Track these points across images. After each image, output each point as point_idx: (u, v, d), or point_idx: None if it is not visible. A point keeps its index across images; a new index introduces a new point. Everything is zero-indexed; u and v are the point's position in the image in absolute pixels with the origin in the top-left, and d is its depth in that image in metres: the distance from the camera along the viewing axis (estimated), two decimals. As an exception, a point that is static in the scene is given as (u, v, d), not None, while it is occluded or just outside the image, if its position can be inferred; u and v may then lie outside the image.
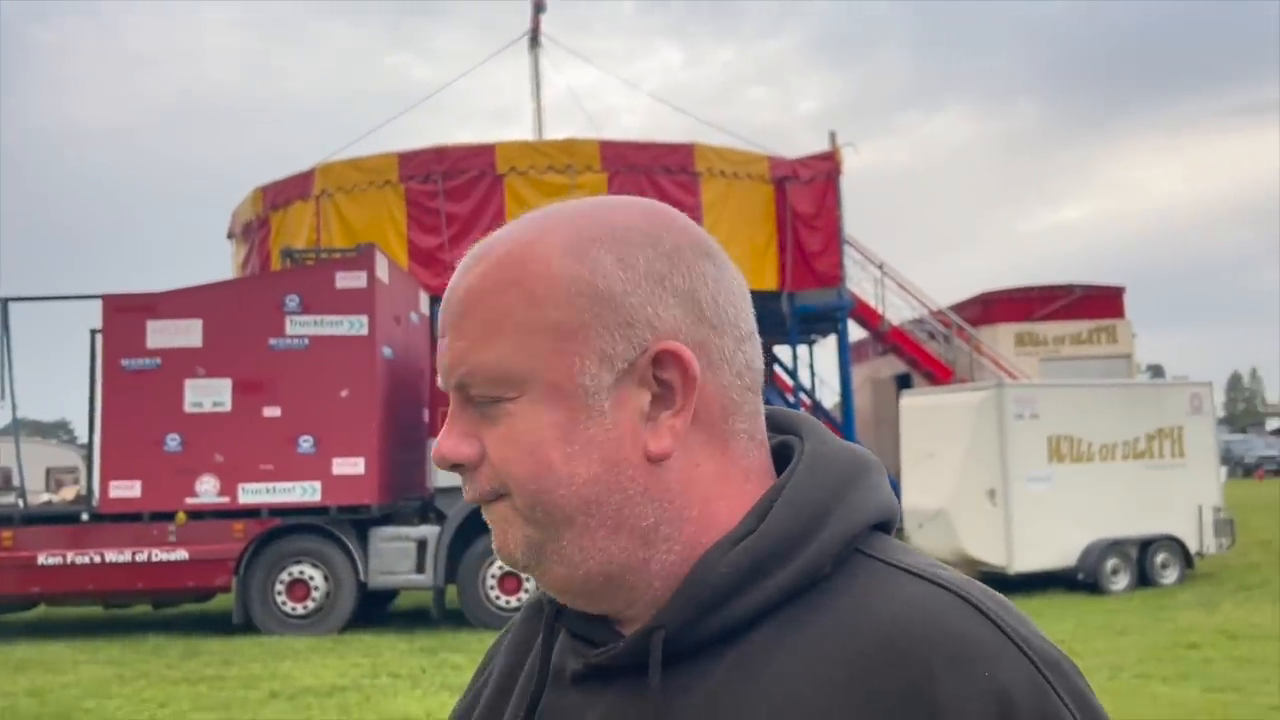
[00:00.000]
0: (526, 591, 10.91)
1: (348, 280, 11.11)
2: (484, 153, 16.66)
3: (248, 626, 10.84)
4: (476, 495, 0.78)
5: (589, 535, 0.75)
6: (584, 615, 0.80)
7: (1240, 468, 40.03)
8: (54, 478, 14.59)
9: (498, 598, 10.91)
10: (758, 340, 0.82)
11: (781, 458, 0.81)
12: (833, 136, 18.90)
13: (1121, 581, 12.18)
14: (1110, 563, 12.20)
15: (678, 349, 0.75)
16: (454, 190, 16.43)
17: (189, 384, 10.90)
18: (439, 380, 0.80)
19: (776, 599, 0.73)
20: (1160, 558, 12.53)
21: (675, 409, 0.76)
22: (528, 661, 0.86)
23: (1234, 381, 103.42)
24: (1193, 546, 12.72)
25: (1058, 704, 0.69)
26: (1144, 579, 12.33)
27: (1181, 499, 12.73)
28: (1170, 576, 12.47)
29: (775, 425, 0.84)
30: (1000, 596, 0.76)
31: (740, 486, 0.78)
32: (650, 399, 0.75)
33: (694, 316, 0.76)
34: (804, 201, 18.04)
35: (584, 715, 0.77)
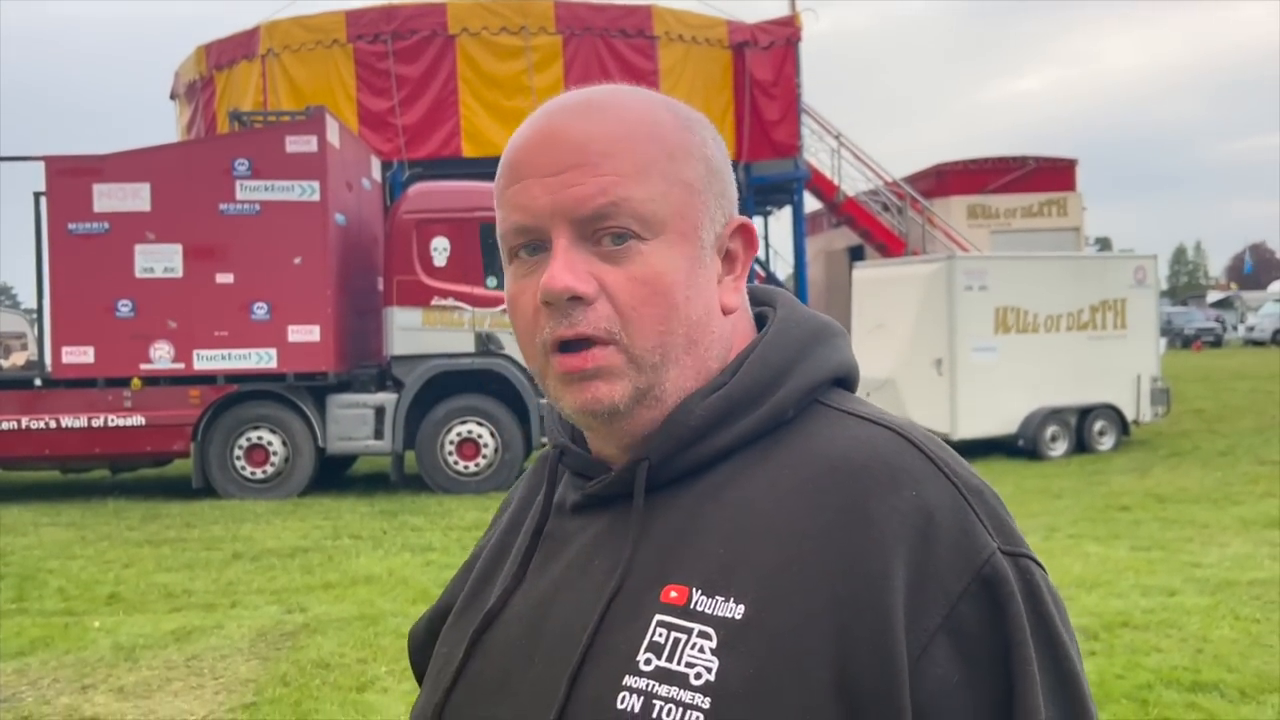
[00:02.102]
0: (484, 457, 11.11)
1: (298, 144, 10.88)
2: (435, 11, 16.16)
3: (207, 491, 10.97)
4: (589, 330, 0.82)
5: (684, 374, 0.86)
6: (583, 455, 0.92)
7: (1180, 339, 41.10)
8: (1, 344, 14.38)
9: (456, 463, 11.10)
10: None
11: (760, 326, 0.94)
12: (792, 1, 18.54)
13: (1060, 448, 12.64)
14: (1050, 430, 12.64)
15: (752, 225, 0.91)
16: (404, 51, 15.99)
17: (139, 249, 10.73)
18: (537, 217, 0.83)
19: (744, 439, 0.85)
20: (1098, 425, 12.99)
21: (737, 274, 0.90)
22: (535, 501, 0.97)
23: (1178, 254, 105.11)
24: (1130, 415, 13.19)
25: (974, 520, 0.80)
26: (1082, 445, 12.80)
27: (1121, 369, 13.13)
28: (1107, 443, 12.96)
29: (756, 299, 0.96)
30: (937, 439, 0.87)
31: (744, 342, 0.92)
32: (720, 264, 0.89)
33: (737, 204, 0.91)
34: (762, 68, 17.79)
35: (579, 536, 0.90)
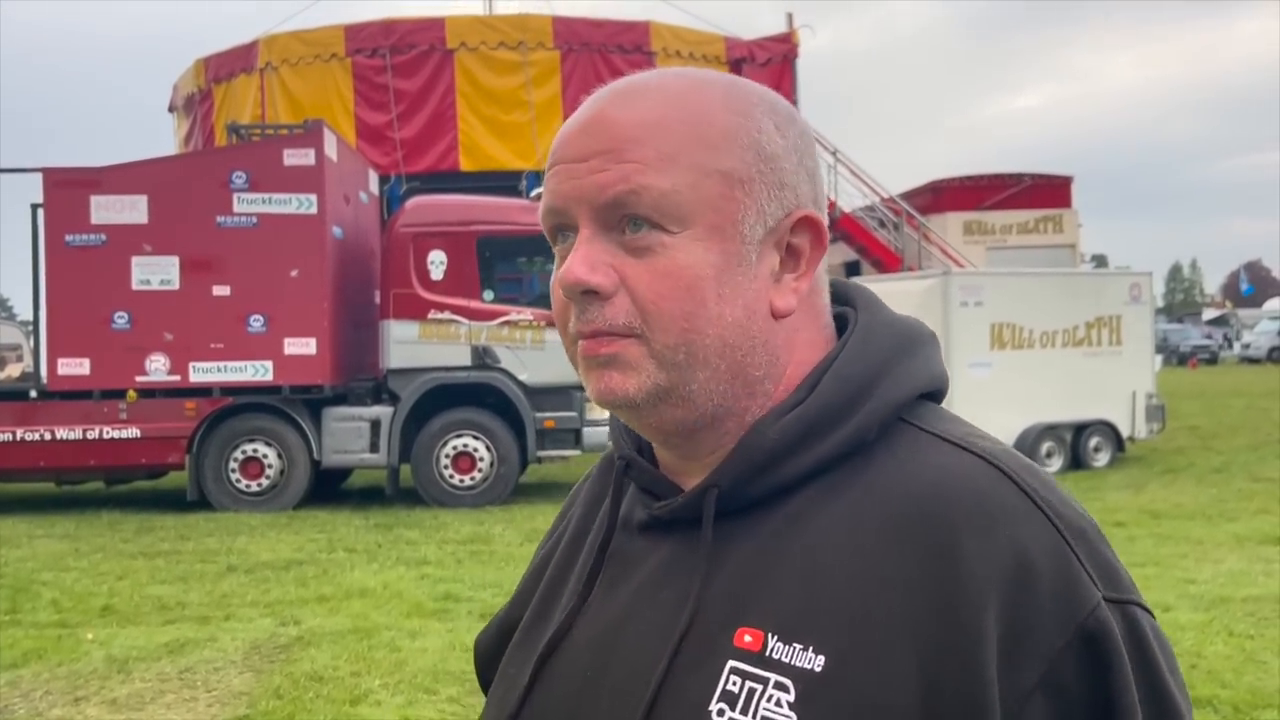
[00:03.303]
0: (479, 471, 11.10)
1: (296, 157, 10.91)
2: (433, 26, 16.23)
3: (202, 503, 10.95)
4: (605, 326, 0.79)
5: (717, 377, 0.79)
6: (650, 471, 0.87)
7: (1175, 356, 41.19)
8: (-3, 355, 14.38)
9: (451, 476, 11.09)
10: None
11: (840, 328, 0.87)
12: (789, 18, 18.63)
13: (1055, 464, 12.65)
14: (1045, 446, 12.65)
15: (818, 217, 0.82)
16: (402, 66, 16.04)
17: (136, 261, 10.75)
18: (564, 201, 0.80)
19: (822, 464, 0.79)
20: (1093, 441, 13.01)
21: (799, 273, 0.82)
22: (600, 512, 0.93)
23: (1174, 272, 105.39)
24: (1125, 431, 13.21)
25: (1077, 567, 0.73)
26: (1077, 462, 12.82)
27: (1116, 385, 13.15)
28: (1102, 459, 12.98)
29: (834, 296, 0.89)
30: (1036, 468, 0.79)
31: (820, 354, 0.84)
32: (779, 261, 0.81)
33: (815, 195, 0.83)
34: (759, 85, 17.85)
35: (647, 559, 0.84)
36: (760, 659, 0.75)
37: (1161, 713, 0.74)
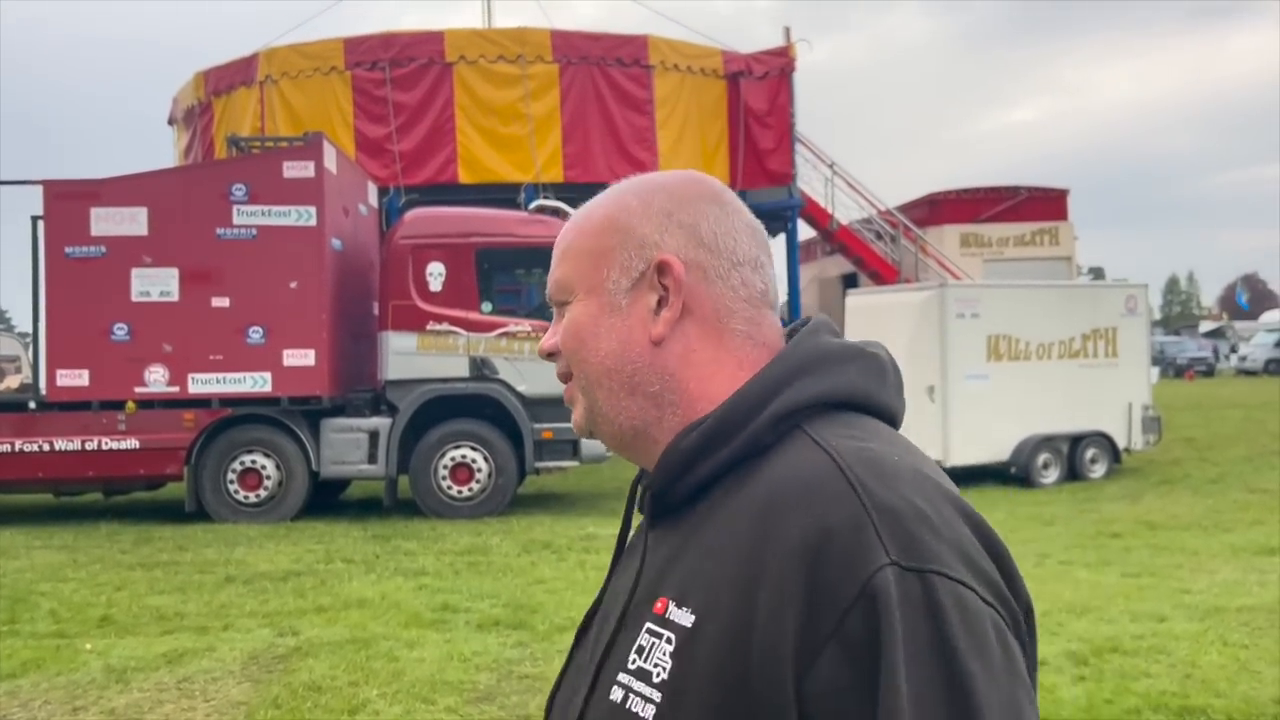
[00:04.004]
0: (477, 482, 11.13)
1: (295, 170, 10.96)
2: (432, 40, 16.30)
3: (200, 514, 10.96)
4: (560, 374, 1.09)
5: (614, 395, 1.04)
6: (645, 479, 1.08)
7: (1172, 368, 41.24)
8: (-5, 366, 14.40)
9: (449, 487, 11.11)
10: (764, 267, 1.06)
11: None
12: (787, 32, 18.72)
13: (1051, 475, 12.69)
14: (1042, 457, 12.69)
15: (669, 259, 1.02)
16: (402, 79, 16.11)
17: (135, 273, 10.78)
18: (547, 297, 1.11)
19: (724, 466, 0.96)
20: (1090, 453, 13.05)
21: (668, 306, 1.02)
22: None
23: (1171, 284, 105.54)
24: (1121, 442, 13.25)
25: (872, 537, 0.85)
26: (1073, 473, 12.85)
27: (1113, 397, 13.21)
28: (1098, 471, 13.01)
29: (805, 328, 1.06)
30: (882, 463, 0.91)
31: (734, 373, 1.02)
32: (657, 299, 1.02)
33: (694, 242, 1.03)
34: (757, 98, 17.94)
35: (636, 547, 1.06)
36: (662, 620, 0.94)
37: (948, 670, 0.82)
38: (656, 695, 0.92)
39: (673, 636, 0.92)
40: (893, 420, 1.02)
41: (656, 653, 0.93)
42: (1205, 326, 63.36)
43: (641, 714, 0.92)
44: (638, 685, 0.94)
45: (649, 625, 0.95)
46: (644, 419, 1.03)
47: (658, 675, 0.92)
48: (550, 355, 1.09)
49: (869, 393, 1.00)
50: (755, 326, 1.04)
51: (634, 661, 0.95)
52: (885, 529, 0.86)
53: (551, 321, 1.12)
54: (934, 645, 0.82)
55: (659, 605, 0.95)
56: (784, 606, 0.85)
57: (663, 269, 1.01)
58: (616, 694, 0.95)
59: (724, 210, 1.05)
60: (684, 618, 0.92)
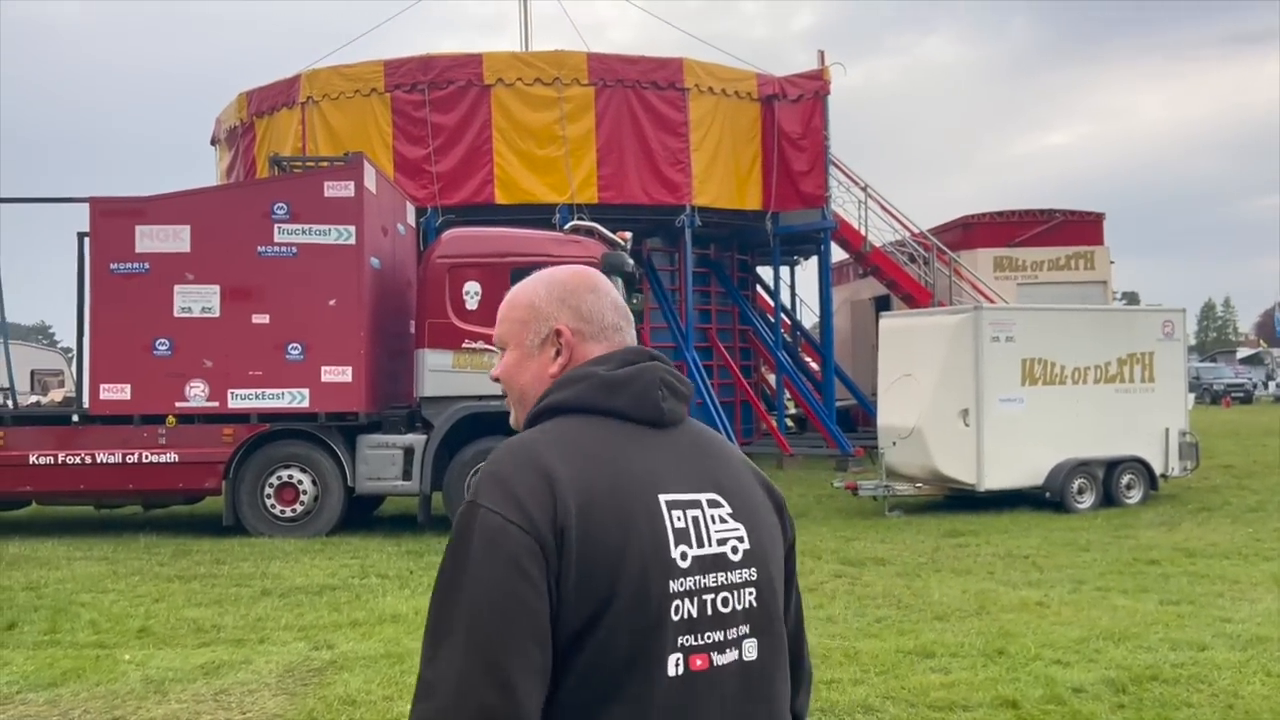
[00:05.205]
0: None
1: (336, 189, 11.12)
2: (471, 63, 16.50)
3: (237, 528, 11.08)
4: (502, 390, 1.68)
5: (524, 407, 1.63)
6: None
7: (1208, 395, 40.71)
8: (39, 380, 14.64)
9: (482, 505, 11.13)
10: (621, 329, 1.63)
11: None
12: (821, 56, 18.79)
13: (1087, 501, 12.55)
14: (1077, 482, 12.56)
15: (562, 326, 1.61)
16: (440, 100, 16.30)
17: (178, 289, 10.96)
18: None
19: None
20: (1126, 479, 12.91)
21: (562, 356, 1.61)
22: None
23: (1207, 310, 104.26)
24: (1158, 468, 13.09)
25: (471, 491, 1.46)
26: (1109, 499, 12.70)
27: (1149, 422, 13.06)
28: (1134, 497, 12.86)
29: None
30: (516, 448, 1.49)
31: None
32: (555, 351, 1.61)
33: (577, 316, 1.62)
34: (791, 120, 18.01)
35: None
36: None
37: (442, 569, 1.46)
38: None
39: None
40: (623, 415, 1.52)
41: None
42: (1242, 353, 62.48)
43: None
44: None
45: None
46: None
47: None
48: (496, 379, 1.68)
49: (588, 401, 1.53)
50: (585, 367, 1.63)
51: None
52: (475, 486, 1.46)
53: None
54: (457, 539, 1.42)
55: None
56: None
57: (559, 332, 1.61)
58: None
59: (597, 295, 1.63)
60: None
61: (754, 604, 1.49)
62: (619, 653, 1.36)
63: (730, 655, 1.45)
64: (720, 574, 1.46)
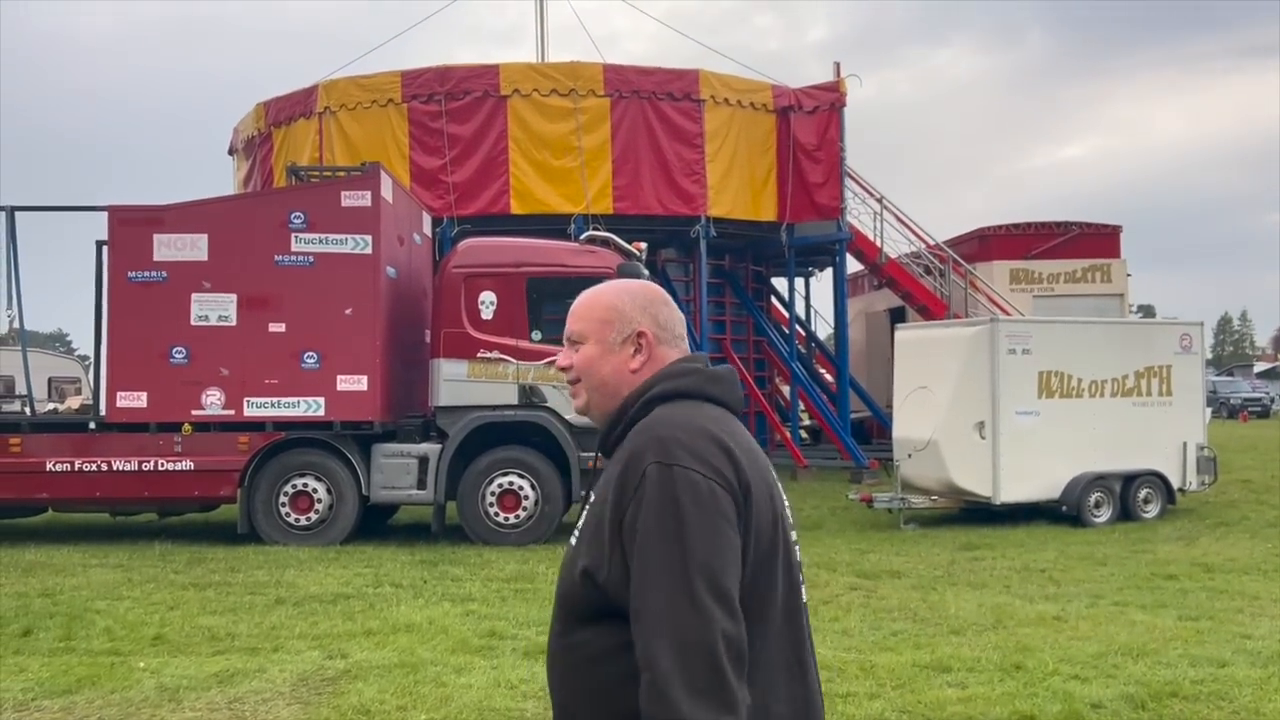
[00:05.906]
0: (524, 510, 11.17)
1: (353, 199, 11.16)
2: (488, 73, 16.56)
3: (252, 536, 11.10)
4: (571, 379, 1.94)
5: (603, 399, 1.91)
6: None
7: (1225, 409, 40.42)
8: (56, 387, 14.69)
9: (496, 514, 11.16)
10: (685, 337, 1.96)
11: None
12: (837, 67, 18.78)
13: (1104, 514, 12.47)
14: (1094, 496, 12.48)
15: (645, 330, 1.90)
16: (457, 111, 16.36)
17: (195, 298, 11.01)
18: (566, 336, 1.95)
19: (625, 426, 1.84)
20: (1143, 493, 12.82)
21: (640, 353, 1.89)
22: None
23: (1224, 324, 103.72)
24: (1175, 483, 12.99)
25: (648, 452, 1.70)
26: (1126, 513, 12.62)
27: (1167, 436, 12.97)
28: (1152, 511, 12.77)
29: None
30: (672, 418, 1.78)
31: None
32: (634, 350, 1.89)
33: (655, 323, 1.91)
34: (806, 132, 18.00)
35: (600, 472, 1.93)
36: (589, 500, 1.84)
37: (674, 510, 1.64)
38: (575, 535, 1.82)
39: (589, 505, 1.81)
40: (722, 403, 1.84)
41: (584, 516, 1.82)
42: (1260, 367, 62.08)
43: (573, 544, 1.81)
44: (574, 534, 1.83)
45: (588, 504, 1.83)
46: (610, 406, 1.90)
47: (578, 525, 1.83)
48: (564, 369, 1.94)
49: (698, 389, 1.83)
50: (672, 363, 1.92)
51: (579, 523, 1.84)
52: (654, 448, 1.70)
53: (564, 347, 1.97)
54: (668, 510, 1.64)
55: (594, 495, 1.83)
56: (609, 489, 1.74)
57: (641, 334, 1.89)
58: (572, 540, 1.83)
59: (670, 308, 1.94)
60: (594, 496, 1.82)
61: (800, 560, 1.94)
62: (776, 588, 1.75)
63: (806, 594, 1.91)
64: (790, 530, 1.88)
